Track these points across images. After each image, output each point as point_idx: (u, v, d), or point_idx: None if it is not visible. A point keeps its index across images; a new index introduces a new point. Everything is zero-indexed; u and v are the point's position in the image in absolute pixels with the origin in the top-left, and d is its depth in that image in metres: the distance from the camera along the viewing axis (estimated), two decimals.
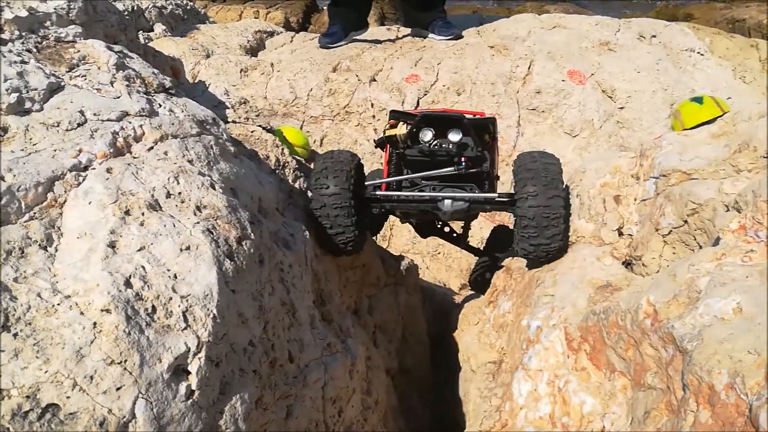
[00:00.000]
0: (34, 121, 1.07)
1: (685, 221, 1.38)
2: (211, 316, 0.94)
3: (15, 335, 0.80)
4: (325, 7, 7.89)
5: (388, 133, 1.81)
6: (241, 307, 1.03)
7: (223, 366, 0.95)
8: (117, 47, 1.35)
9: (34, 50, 1.21)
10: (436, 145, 1.73)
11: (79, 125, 1.10)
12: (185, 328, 0.90)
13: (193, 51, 3.71)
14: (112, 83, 1.22)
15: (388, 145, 1.86)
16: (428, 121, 1.75)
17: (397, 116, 1.83)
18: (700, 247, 1.34)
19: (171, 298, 0.92)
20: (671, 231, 1.42)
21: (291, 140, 1.93)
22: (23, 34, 1.23)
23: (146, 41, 4.29)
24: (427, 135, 1.74)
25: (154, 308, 0.90)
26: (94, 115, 1.13)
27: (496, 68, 3.93)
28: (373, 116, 3.78)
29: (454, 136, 1.72)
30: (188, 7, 4.94)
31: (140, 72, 1.32)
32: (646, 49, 4.24)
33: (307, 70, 3.81)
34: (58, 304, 0.85)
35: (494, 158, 1.87)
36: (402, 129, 1.78)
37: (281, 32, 4.63)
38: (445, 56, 4.02)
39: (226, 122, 1.73)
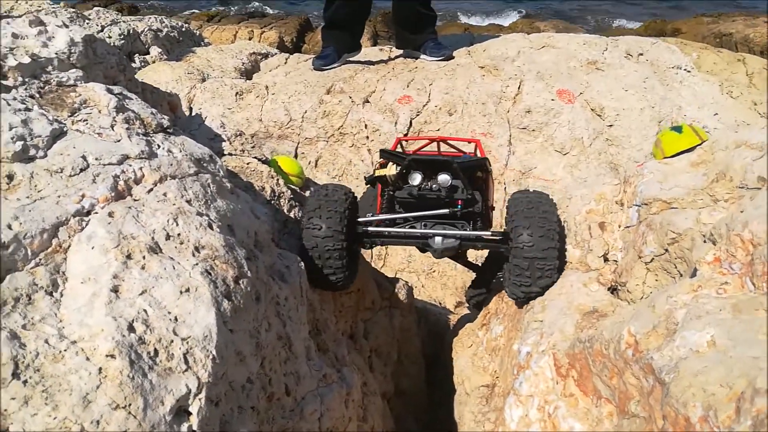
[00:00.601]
0: (39, 168, 1.11)
1: (666, 250, 1.43)
2: (211, 357, 0.98)
3: (24, 382, 0.84)
4: (319, 27, 7.99)
5: (378, 173, 1.83)
6: (239, 346, 1.07)
7: (222, 405, 0.99)
8: (117, 89, 1.40)
9: (37, 95, 1.26)
10: (425, 188, 1.74)
11: (81, 170, 1.15)
12: (186, 370, 0.94)
13: (188, 75, 3.76)
14: (112, 126, 1.27)
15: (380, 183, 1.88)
16: (416, 165, 1.75)
17: (386, 157, 1.84)
18: (681, 275, 1.39)
19: (172, 341, 0.96)
20: (653, 259, 1.47)
21: (286, 169, 1.98)
22: (26, 79, 1.28)
23: (142, 64, 4.35)
24: (415, 179, 1.75)
25: (156, 351, 0.94)
26: (96, 159, 1.18)
27: (487, 88, 4.00)
28: (367, 137, 3.84)
29: (444, 180, 1.73)
30: (183, 29, 5.00)
31: (139, 113, 1.37)
32: (634, 68, 4.32)
33: (302, 92, 3.88)
34: (65, 350, 0.89)
35: (488, 195, 1.87)
36: (392, 169, 1.80)
37: (276, 53, 4.70)
38: (436, 77, 4.10)
39: (222, 155, 1.78)
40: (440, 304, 3.38)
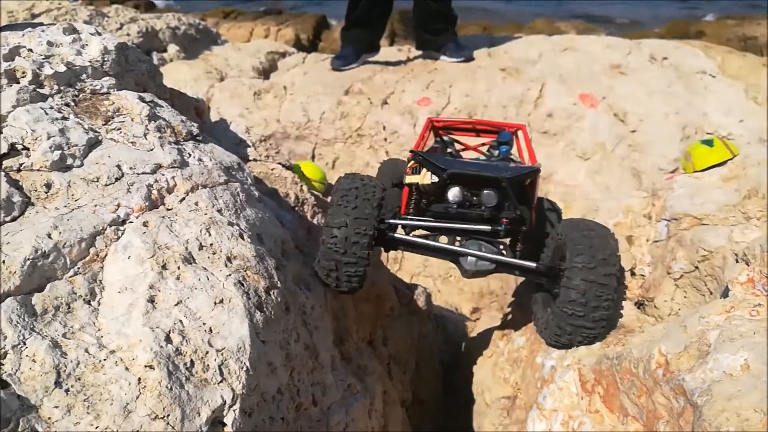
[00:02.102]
0: (76, 177, 1.15)
1: (696, 267, 1.44)
2: (245, 368, 1.01)
3: (66, 391, 0.87)
4: (335, 23, 8.01)
5: (408, 180, 1.65)
6: (271, 357, 1.10)
7: (255, 416, 1.01)
8: (148, 96, 1.43)
9: (72, 104, 1.29)
10: (466, 204, 1.52)
11: (116, 179, 1.18)
12: (221, 382, 0.97)
13: (207, 74, 3.81)
14: (145, 135, 1.30)
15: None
16: (457, 180, 1.51)
17: (420, 161, 1.64)
18: (711, 293, 1.40)
19: (207, 352, 0.99)
20: (683, 275, 1.48)
21: (309, 175, 2.01)
22: (62, 88, 1.31)
23: (160, 62, 4.40)
24: (455, 195, 1.52)
25: (192, 363, 0.97)
26: (130, 168, 1.21)
27: (508, 91, 4.01)
28: (385, 139, 3.86)
29: (489, 199, 1.50)
30: (200, 27, 5.06)
31: (170, 121, 1.40)
32: (657, 72, 4.31)
33: (320, 93, 3.90)
34: (105, 360, 0.92)
35: (532, 206, 1.63)
36: (426, 177, 1.58)
37: (293, 53, 4.73)
38: (456, 79, 4.11)
39: (248, 161, 1.81)
40: (456, 309, 3.39)
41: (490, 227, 1.52)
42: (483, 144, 2.14)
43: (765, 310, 1.12)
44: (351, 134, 3.83)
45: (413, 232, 1.67)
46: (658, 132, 3.99)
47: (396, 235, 1.58)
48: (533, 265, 1.51)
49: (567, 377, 1.48)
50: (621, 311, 1.52)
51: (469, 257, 1.52)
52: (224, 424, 0.95)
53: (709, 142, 1.70)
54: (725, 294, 1.24)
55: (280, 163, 1.87)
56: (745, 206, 1.46)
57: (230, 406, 0.96)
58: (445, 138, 2.12)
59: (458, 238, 1.56)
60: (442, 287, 3.55)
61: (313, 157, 3.77)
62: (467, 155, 2.11)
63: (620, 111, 4.02)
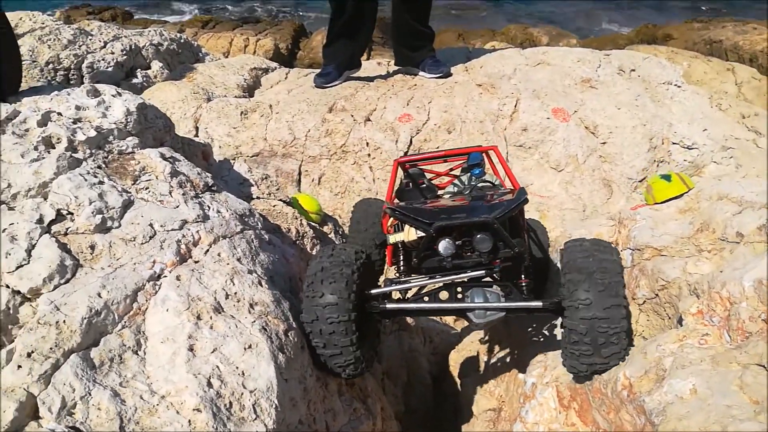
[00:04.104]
0: (116, 237, 1.31)
1: (657, 294, 1.66)
2: (274, 406, 1.18)
3: None
4: (312, 31, 8.14)
5: (393, 239, 1.60)
6: (292, 392, 1.28)
7: None
8: (167, 152, 1.59)
9: (104, 165, 1.45)
10: (459, 254, 1.47)
11: (150, 238, 1.34)
12: (255, 419, 1.15)
13: (194, 95, 3.93)
14: (170, 192, 1.46)
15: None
16: (445, 231, 1.46)
17: (401, 218, 1.56)
18: (669, 318, 1.62)
19: (243, 394, 1.16)
20: (645, 301, 1.69)
21: (305, 207, 2.17)
22: (93, 151, 1.46)
23: (144, 79, 4.51)
24: (447, 248, 1.46)
25: (231, 404, 1.14)
26: (161, 226, 1.37)
27: (484, 106, 4.21)
28: (369, 155, 4.04)
29: (483, 244, 1.45)
30: (182, 41, 5.16)
31: (189, 175, 1.57)
32: (626, 85, 4.56)
33: (305, 111, 4.06)
34: (158, 405, 1.09)
35: (523, 235, 1.62)
36: (411, 234, 1.54)
37: (276, 68, 4.87)
38: (435, 95, 4.30)
39: (251, 199, 1.97)
40: (441, 319, 3.59)
41: (484, 271, 1.48)
42: (452, 169, 2.14)
43: (712, 339, 1.33)
44: (336, 151, 4.00)
45: (409, 293, 1.62)
46: (626, 143, 4.23)
47: (389, 306, 1.51)
48: (539, 304, 1.46)
49: (546, 394, 1.69)
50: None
51: (477, 310, 1.47)
52: None
53: (667, 177, 1.92)
54: (680, 321, 1.46)
55: (280, 200, 2.04)
56: (698, 239, 1.67)
57: None
58: (411, 171, 2.05)
59: (459, 290, 1.52)
60: None
61: (299, 174, 3.93)
62: (438, 182, 2.10)
63: (591, 124, 4.25)
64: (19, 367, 1.04)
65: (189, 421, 1.08)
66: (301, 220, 2.03)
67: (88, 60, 4.26)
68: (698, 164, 4.28)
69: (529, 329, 2.00)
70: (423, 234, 1.50)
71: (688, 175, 4.24)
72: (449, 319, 3.56)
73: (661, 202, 1.91)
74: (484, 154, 1.99)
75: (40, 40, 4.22)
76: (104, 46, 4.44)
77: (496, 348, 2.25)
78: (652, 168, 4.18)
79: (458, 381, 2.45)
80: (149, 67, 4.67)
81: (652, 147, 4.27)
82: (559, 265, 1.50)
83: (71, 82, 3.96)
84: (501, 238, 1.47)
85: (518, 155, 4.17)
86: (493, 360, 2.21)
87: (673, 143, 4.32)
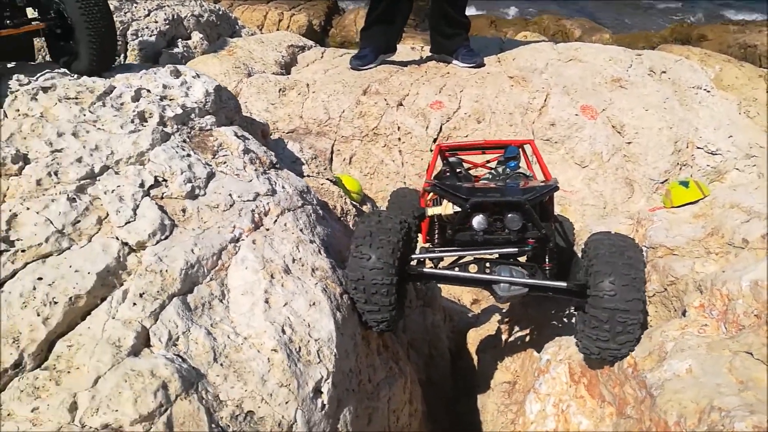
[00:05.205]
0: (202, 204, 1.56)
1: (665, 289, 1.90)
2: (333, 353, 1.44)
3: (222, 365, 1.30)
4: (345, 9, 8.32)
5: (431, 212, 1.76)
6: (346, 345, 1.54)
7: (339, 387, 1.45)
8: (239, 131, 1.84)
9: (188, 140, 1.70)
10: (491, 230, 1.62)
11: (230, 206, 1.60)
12: (319, 362, 1.41)
13: (235, 69, 4.18)
14: (244, 167, 1.72)
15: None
16: (480, 207, 1.61)
17: (441, 193, 1.73)
18: (675, 311, 1.86)
19: (309, 341, 1.42)
20: (655, 294, 1.94)
21: (348, 187, 2.42)
22: (179, 127, 1.72)
23: (185, 49, 4.75)
24: (480, 223, 1.62)
25: (299, 348, 1.40)
26: (238, 197, 1.63)
27: (515, 99, 4.42)
28: (399, 139, 4.28)
29: (513, 222, 1.59)
30: (220, 12, 5.39)
31: (257, 153, 1.82)
32: (656, 87, 4.74)
33: (340, 92, 4.29)
34: (241, 344, 1.35)
35: (552, 222, 1.75)
36: (448, 208, 1.70)
37: (312, 46, 5.09)
38: (467, 84, 4.51)
39: (303, 176, 2.23)
40: (458, 300, 3.85)
41: (517, 249, 1.63)
42: (489, 161, 2.36)
43: (709, 330, 1.57)
44: (368, 133, 4.24)
45: (441, 263, 1.79)
46: (651, 144, 4.44)
47: (425, 270, 1.68)
48: (564, 285, 1.58)
49: (559, 369, 1.94)
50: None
51: (502, 284, 1.61)
52: (321, 393, 1.39)
53: (685, 183, 2.15)
54: (684, 313, 1.70)
55: (327, 179, 2.29)
56: (708, 242, 1.91)
57: (325, 380, 1.40)
58: (451, 159, 2.26)
59: (487, 265, 1.67)
60: None
61: (331, 153, 4.18)
62: (476, 173, 2.35)
63: (618, 123, 4.45)
64: (134, 304, 1.30)
65: (268, 359, 1.34)
66: (345, 198, 2.28)
67: (133, 27, 4.50)
68: (721, 170, 4.47)
69: (547, 312, 2.25)
70: (459, 209, 1.66)
71: (710, 181, 4.46)
72: (467, 302, 3.82)
73: (678, 207, 2.14)
74: (520, 149, 2.17)
75: None
76: (148, 15, 4.68)
77: (514, 328, 2.50)
78: (675, 171, 4.39)
79: (476, 357, 2.71)
80: (189, 38, 4.91)
81: (677, 150, 4.47)
82: (580, 253, 1.67)
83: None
84: (531, 220, 1.61)
85: (544, 149, 4.39)
86: (510, 338, 2.46)
87: (698, 147, 4.52)
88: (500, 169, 2.18)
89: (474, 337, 2.95)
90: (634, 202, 4.50)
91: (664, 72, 5.02)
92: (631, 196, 4.45)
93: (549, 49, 5.02)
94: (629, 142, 4.49)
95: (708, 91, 5.06)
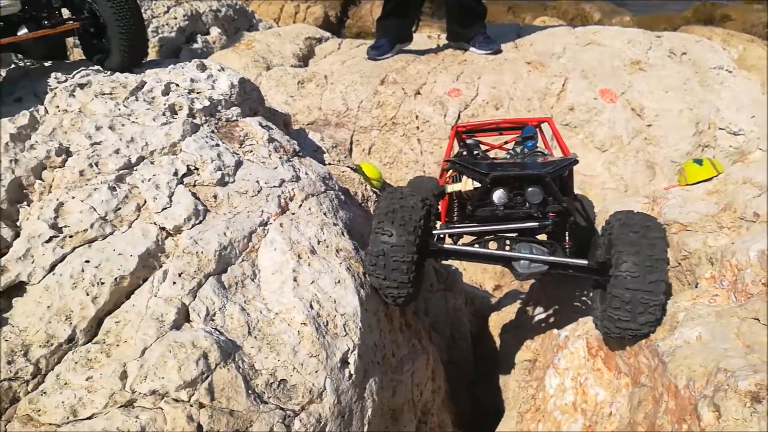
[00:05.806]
0: (232, 190, 1.69)
1: (679, 263, 1.98)
2: (358, 327, 1.56)
3: (255, 337, 1.42)
4: (361, 0, 8.42)
5: (450, 188, 1.80)
6: (370, 320, 1.65)
7: (364, 359, 1.57)
8: (263, 121, 1.96)
9: (216, 130, 1.83)
10: (511, 205, 1.63)
11: (258, 192, 1.72)
12: (345, 335, 1.53)
13: (255, 63, 4.31)
14: (269, 155, 1.84)
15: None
16: (500, 182, 1.62)
17: (460, 169, 1.78)
18: (689, 284, 1.94)
19: (335, 316, 1.54)
20: (669, 269, 2.02)
21: (368, 174, 2.53)
22: (207, 118, 1.84)
23: (203, 45, 4.89)
24: (500, 197, 1.63)
25: (327, 322, 1.52)
26: (265, 183, 1.75)
27: (533, 84, 4.49)
28: (417, 127, 4.37)
29: (534, 196, 1.61)
30: (237, 7, 5.53)
31: (281, 141, 1.94)
32: (676, 69, 4.77)
33: (358, 82, 4.40)
34: (273, 318, 1.47)
35: (572, 197, 1.77)
36: (468, 184, 1.74)
37: (328, 37, 5.21)
38: (484, 71, 4.59)
39: (324, 164, 2.34)
40: (480, 286, 3.95)
41: (538, 223, 1.63)
42: (506, 142, 2.40)
43: (720, 299, 1.66)
44: (386, 122, 4.34)
45: (460, 240, 1.83)
46: (672, 127, 4.47)
47: (446, 246, 1.70)
48: (584, 262, 1.60)
49: (577, 344, 2.04)
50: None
51: (522, 261, 1.62)
52: (348, 363, 1.51)
53: (699, 161, 2.22)
54: (696, 286, 1.78)
55: (348, 166, 2.40)
56: (720, 218, 1.98)
57: (352, 351, 1.52)
58: (468, 141, 2.32)
59: (507, 242, 1.68)
60: (468, 266, 4.10)
61: (351, 143, 4.29)
62: (493, 155, 2.41)
63: (637, 106, 4.50)
64: (174, 283, 1.43)
65: (298, 331, 1.46)
66: (366, 185, 2.40)
67: (153, 24, 4.65)
68: (743, 150, 4.49)
69: (565, 292, 2.34)
70: (479, 185, 1.69)
71: (733, 161, 4.49)
72: (489, 288, 3.91)
73: (692, 184, 2.21)
74: (537, 129, 2.21)
75: None
76: (167, 11, 4.83)
77: (534, 309, 2.59)
78: (697, 152, 4.42)
79: (497, 339, 2.81)
80: (208, 33, 5.05)
81: (698, 131, 4.50)
82: (600, 231, 1.68)
83: None
84: (551, 193, 1.63)
85: (563, 134, 4.43)
86: (530, 319, 2.56)
87: (720, 128, 4.54)
88: (518, 149, 2.22)
89: (496, 321, 3.05)
90: (656, 185, 4.53)
91: (685, 53, 5.04)
92: (652, 178, 4.48)
93: (567, 33, 5.07)
94: (649, 125, 4.53)
95: (730, 72, 5.07)
